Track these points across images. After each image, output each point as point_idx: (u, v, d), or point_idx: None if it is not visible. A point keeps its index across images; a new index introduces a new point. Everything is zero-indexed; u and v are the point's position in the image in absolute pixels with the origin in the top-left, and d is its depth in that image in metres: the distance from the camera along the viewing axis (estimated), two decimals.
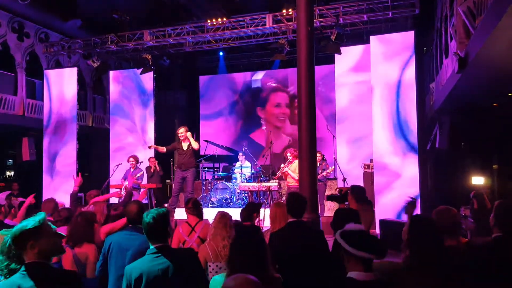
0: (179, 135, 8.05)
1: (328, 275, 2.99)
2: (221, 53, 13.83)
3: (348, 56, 9.10)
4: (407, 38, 8.23)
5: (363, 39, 8.91)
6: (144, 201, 9.01)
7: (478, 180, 7.94)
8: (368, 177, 8.23)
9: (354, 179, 7.94)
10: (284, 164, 8.66)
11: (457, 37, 6.24)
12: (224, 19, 9.70)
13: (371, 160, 8.35)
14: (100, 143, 12.56)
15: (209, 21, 9.73)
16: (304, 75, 5.94)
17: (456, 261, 2.34)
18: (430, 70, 11.03)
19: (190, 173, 8.01)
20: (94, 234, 3.38)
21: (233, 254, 2.16)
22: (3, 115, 10.74)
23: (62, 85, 10.70)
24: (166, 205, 8.43)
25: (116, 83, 11.22)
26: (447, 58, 7.90)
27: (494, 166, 10.15)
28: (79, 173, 5.90)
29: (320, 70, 11.66)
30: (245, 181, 9.72)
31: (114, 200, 9.48)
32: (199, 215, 4.09)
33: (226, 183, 10.14)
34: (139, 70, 10.35)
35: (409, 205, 3.87)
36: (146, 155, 9.81)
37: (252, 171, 10.17)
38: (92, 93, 13.59)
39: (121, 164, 9.26)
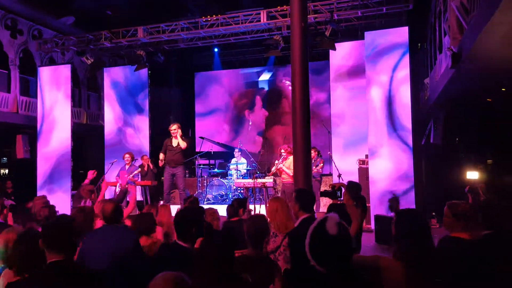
0: (172, 131, 8.07)
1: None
2: (216, 50, 13.79)
3: (342, 52, 9.10)
4: (401, 33, 8.25)
5: (357, 35, 8.91)
6: (140, 198, 9.04)
7: (472, 175, 7.99)
8: (364, 172, 8.27)
9: (349, 175, 7.95)
10: (278, 160, 8.66)
11: (451, 32, 6.25)
12: (219, 15, 9.66)
13: (366, 156, 8.38)
14: (95, 140, 12.50)
15: (203, 17, 9.68)
16: (298, 71, 5.94)
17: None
18: (424, 65, 11.06)
19: (179, 170, 8.05)
20: (93, 228, 3.39)
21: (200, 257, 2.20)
22: None
23: (56, 82, 10.64)
24: (161, 202, 8.43)
25: (110, 80, 11.16)
26: (441, 54, 7.92)
27: (488, 161, 10.22)
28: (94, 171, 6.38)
29: (314, 66, 11.67)
30: (241, 177, 9.73)
31: (108, 196, 9.45)
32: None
33: (221, 179, 10.15)
34: (134, 67, 10.30)
35: (393, 202, 3.89)
36: (140, 153, 9.79)
37: (248, 168, 10.18)
38: (86, 90, 13.52)
39: (116, 161, 9.25)
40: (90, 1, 10.47)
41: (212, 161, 11.98)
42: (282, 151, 8.71)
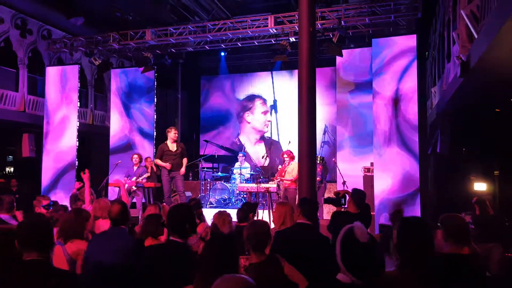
0: (173, 136, 7.87)
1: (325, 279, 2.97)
2: (222, 54, 13.82)
3: (349, 59, 9.07)
4: (409, 41, 8.20)
5: (365, 42, 8.88)
6: (143, 200, 9.03)
7: (480, 186, 7.87)
8: (368, 180, 8.19)
9: (354, 183, 7.89)
10: (281, 166, 8.68)
11: (460, 41, 6.19)
12: (226, 19, 9.68)
13: (371, 164, 8.30)
14: (100, 141, 12.53)
15: (211, 21, 9.71)
16: (305, 76, 5.92)
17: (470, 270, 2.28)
18: (432, 74, 10.98)
19: (178, 173, 7.88)
20: (85, 230, 3.35)
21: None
22: (4, 111, 10.72)
23: (63, 82, 10.70)
24: (164, 204, 8.39)
25: (117, 81, 11.21)
26: (449, 62, 7.85)
27: (495, 172, 10.08)
28: (86, 170, 5.61)
29: (321, 72, 11.65)
30: (244, 182, 9.69)
31: (112, 197, 9.45)
32: (200, 216, 4.12)
33: (225, 183, 10.12)
34: (141, 69, 10.34)
35: (395, 215, 3.83)
36: (144, 155, 9.79)
37: (252, 172, 10.14)
38: (93, 91, 13.58)
39: (120, 162, 9.25)
40: (100, 3, 10.53)
41: (215, 165, 11.97)
42: (285, 156, 8.71)
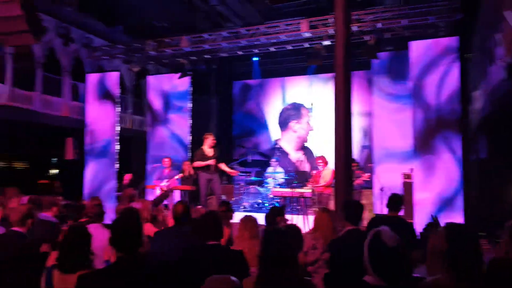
0: (210, 142, 7.97)
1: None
2: (255, 59, 13.88)
3: (385, 62, 8.90)
4: (449, 43, 7.93)
5: (401, 45, 8.67)
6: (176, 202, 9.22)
7: None
8: (408, 187, 7.95)
9: (393, 189, 7.71)
10: (315, 171, 8.67)
11: (505, 43, 5.95)
12: (259, 25, 9.74)
13: (411, 170, 8.06)
14: (139, 145, 12.92)
15: (244, 27, 9.80)
16: (341, 80, 5.87)
17: None
18: (474, 77, 10.57)
19: (216, 176, 7.99)
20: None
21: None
22: (49, 116, 11.27)
23: (104, 88, 11.10)
24: (198, 207, 8.54)
25: (154, 87, 11.51)
26: (493, 65, 7.54)
27: None
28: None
29: (357, 76, 11.47)
30: (278, 186, 9.69)
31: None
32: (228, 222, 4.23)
33: (258, 188, 10.15)
34: (177, 75, 10.57)
35: (432, 226, 3.66)
36: (181, 158, 9.99)
37: (285, 177, 10.13)
38: (132, 96, 14.01)
39: (158, 165, 9.50)
40: (138, 11, 10.89)
41: (249, 169, 12.03)
42: (320, 161, 8.65)
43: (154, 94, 11.51)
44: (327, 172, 8.33)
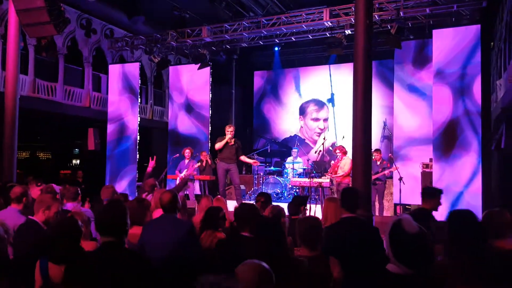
0: (231, 132, 8.07)
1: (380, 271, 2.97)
2: (276, 48, 13.85)
3: (408, 51, 8.77)
4: (473, 32, 7.78)
5: (425, 33, 8.53)
6: (198, 192, 9.36)
7: None
8: (427, 177, 7.90)
9: (412, 179, 7.67)
10: (334, 161, 8.67)
11: None
12: (281, 14, 9.71)
13: (430, 159, 8.00)
14: (159, 135, 13.11)
15: (265, 16, 9.78)
16: (361, 69, 5.83)
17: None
18: (497, 66, 10.31)
19: (234, 166, 8.04)
20: (146, 218, 3.55)
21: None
22: (71, 106, 11.51)
23: (125, 79, 11.30)
24: (218, 196, 8.65)
25: (175, 78, 11.64)
26: None
27: None
28: (154, 157, 6.61)
29: (379, 65, 11.34)
30: (297, 176, 9.73)
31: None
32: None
33: (277, 177, 10.21)
34: (197, 66, 10.65)
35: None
36: (201, 148, 10.11)
37: (304, 167, 10.15)
38: (153, 87, 14.18)
39: (178, 155, 9.64)
40: (159, 2, 10.97)
41: (268, 159, 12.09)
42: (337, 151, 8.65)
43: (174, 84, 11.64)
44: (346, 161, 8.32)
